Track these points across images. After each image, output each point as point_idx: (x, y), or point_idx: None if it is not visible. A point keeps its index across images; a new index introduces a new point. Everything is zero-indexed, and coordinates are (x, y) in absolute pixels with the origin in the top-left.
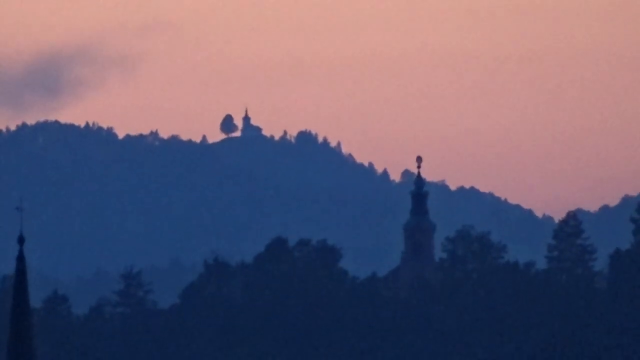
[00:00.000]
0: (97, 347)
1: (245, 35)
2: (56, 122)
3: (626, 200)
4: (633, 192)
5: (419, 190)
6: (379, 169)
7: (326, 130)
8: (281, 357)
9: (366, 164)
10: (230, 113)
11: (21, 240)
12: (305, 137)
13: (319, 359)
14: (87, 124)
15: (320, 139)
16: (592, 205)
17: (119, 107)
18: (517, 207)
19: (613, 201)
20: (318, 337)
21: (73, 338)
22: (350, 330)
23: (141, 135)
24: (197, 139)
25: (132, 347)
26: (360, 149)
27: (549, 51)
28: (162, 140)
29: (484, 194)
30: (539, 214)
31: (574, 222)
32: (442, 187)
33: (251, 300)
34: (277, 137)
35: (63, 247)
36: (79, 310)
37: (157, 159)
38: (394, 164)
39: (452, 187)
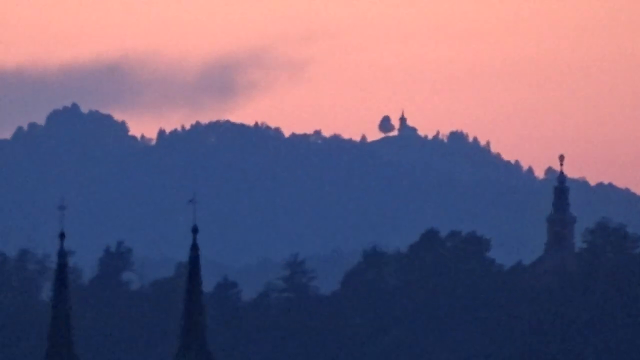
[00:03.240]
0: (264, 330)
1: (402, 41)
2: (227, 121)
3: None
4: None
5: (561, 185)
6: (525, 166)
7: (476, 130)
8: (433, 339)
9: (512, 161)
10: (387, 114)
11: (195, 230)
12: (457, 137)
13: (471, 341)
14: (257, 123)
15: (470, 139)
16: None
17: (286, 108)
18: None
19: None
20: (467, 320)
21: (242, 321)
22: (496, 314)
23: (305, 134)
24: (357, 137)
25: (297, 330)
26: (508, 147)
27: None
28: (324, 138)
29: (620, 189)
30: None
31: None
32: (582, 183)
33: (406, 286)
34: (430, 137)
35: (233, 237)
36: (247, 295)
37: (320, 156)
38: (538, 161)
39: (592, 183)
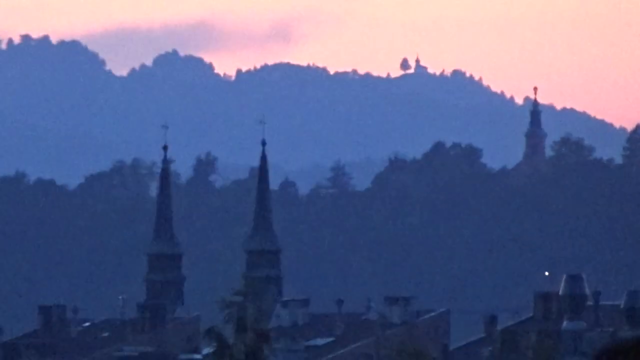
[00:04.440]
0: (316, 218)
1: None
2: (288, 63)
3: None
4: None
5: (535, 109)
6: (508, 95)
7: (472, 68)
8: (441, 225)
9: (499, 91)
10: (406, 56)
11: (263, 143)
12: (457, 73)
13: (468, 226)
14: (309, 64)
15: (467, 75)
16: None
17: (331, 52)
18: (602, 120)
19: None
20: (466, 210)
21: (299, 211)
22: (487, 206)
23: (345, 72)
24: (384, 74)
25: (339, 218)
26: (495, 81)
27: None
28: (359, 75)
29: (580, 112)
30: (616, 125)
31: None
32: (551, 107)
33: (421, 185)
34: (437, 74)
35: (292, 148)
36: (303, 191)
37: (356, 89)
38: (518, 91)
39: (558, 108)
